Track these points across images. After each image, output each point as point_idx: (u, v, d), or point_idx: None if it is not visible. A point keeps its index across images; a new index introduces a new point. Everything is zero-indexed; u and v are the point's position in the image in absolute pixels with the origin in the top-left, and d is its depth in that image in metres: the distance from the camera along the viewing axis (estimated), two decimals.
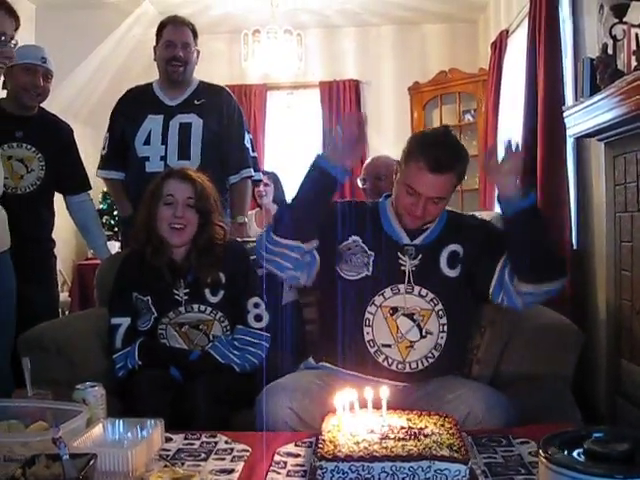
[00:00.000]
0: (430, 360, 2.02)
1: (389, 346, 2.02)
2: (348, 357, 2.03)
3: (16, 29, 2.19)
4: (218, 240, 2.37)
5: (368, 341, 2.03)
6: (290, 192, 4.52)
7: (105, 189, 5.44)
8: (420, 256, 2.06)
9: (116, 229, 5.49)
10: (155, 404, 2.07)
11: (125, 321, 2.34)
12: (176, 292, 2.33)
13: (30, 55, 2.85)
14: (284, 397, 1.85)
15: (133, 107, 3.03)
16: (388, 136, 5.99)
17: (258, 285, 2.31)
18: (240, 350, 2.28)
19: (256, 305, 2.33)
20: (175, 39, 2.97)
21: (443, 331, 2.04)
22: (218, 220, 2.40)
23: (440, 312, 2.04)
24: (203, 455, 1.58)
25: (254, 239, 2.87)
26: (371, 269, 2.05)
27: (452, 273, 2.06)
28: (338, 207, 2.14)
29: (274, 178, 4.58)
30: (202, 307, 2.33)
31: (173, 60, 2.96)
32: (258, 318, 2.32)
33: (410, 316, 2.02)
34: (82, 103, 5.64)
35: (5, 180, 2.55)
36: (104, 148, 3.11)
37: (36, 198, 2.91)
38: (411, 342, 2.02)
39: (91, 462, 1.29)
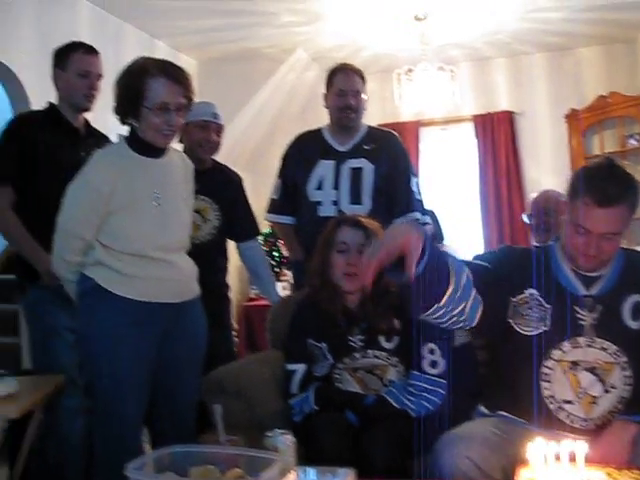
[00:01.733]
0: (615, 415, 1.91)
1: (570, 402, 1.93)
2: (526, 411, 1.95)
3: (186, 96, 2.27)
4: (391, 286, 2.37)
5: (547, 397, 1.95)
6: (447, 229, 4.47)
7: (265, 231, 5.64)
8: (599, 307, 1.95)
9: (276, 270, 5.64)
10: (333, 448, 2.10)
11: (301, 367, 2.40)
12: (351, 338, 2.36)
13: (202, 112, 3.01)
14: (462, 446, 1.81)
15: (304, 152, 3.12)
16: (546, 167, 5.83)
17: (432, 330, 2.29)
18: (416, 396, 2.26)
19: (431, 351, 2.30)
20: (346, 87, 3.04)
21: (628, 384, 1.93)
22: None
23: (624, 364, 1.92)
24: None
25: None
26: (549, 323, 1.97)
27: (636, 325, 1.94)
28: (509, 255, 2.09)
29: (431, 215, 4.55)
30: (377, 353, 2.34)
31: (345, 108, 3.03)
32: (433, 364, 2.29)
33: (591, 370, 1.92)
34: (241, 150, 5.90)
35: None
36: (275, 193, 3.21)
37: (213, 246, 3.05)
38: (594, 397, 1.92)
39: None
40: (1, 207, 2.69)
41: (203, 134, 3.01)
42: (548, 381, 1.95)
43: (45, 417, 2.56)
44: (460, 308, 1.88)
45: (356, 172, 3.02)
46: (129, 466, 1.53)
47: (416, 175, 3.20)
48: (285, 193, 3.18)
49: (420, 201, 3.16)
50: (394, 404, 2.24)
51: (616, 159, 2.04)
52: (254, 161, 6.00)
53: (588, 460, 1.52)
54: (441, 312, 1.86)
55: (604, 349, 1.93)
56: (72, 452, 2.67)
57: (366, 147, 3.07)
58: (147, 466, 1.57)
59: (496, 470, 1.78)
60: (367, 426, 2.20)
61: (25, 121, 2.85)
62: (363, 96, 3.09)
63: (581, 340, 1.94)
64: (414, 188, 3.12)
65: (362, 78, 3.10)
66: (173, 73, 2.25)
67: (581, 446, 1.51)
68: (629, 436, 1.80)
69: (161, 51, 5.81)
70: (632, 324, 1.94)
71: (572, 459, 1.52)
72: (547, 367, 1.96)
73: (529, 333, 1.98)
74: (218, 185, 3.07)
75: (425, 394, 2.26)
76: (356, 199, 2.99)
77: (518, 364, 1.97)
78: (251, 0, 4.85)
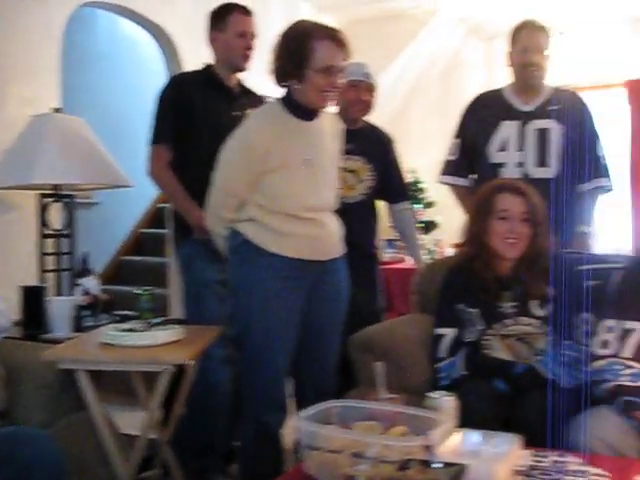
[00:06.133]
0: None
1: None
2: None
3: (345, 59, 2.31)
4: (546, 252, 2.33)
5: None
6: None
7: None
8: None
9: None
10: (483, 415, 2.08)
11: (450, 332, 2.39)
12: (502, 305, 2.34)
13: (354, 72, 3.01)
14: (590, 426, 1.79)
15: (485, 113, 3.02)
16: None
17: (585, 300, 2.23)
18: (567, 366, 2.21)
19: (585, 321, 2.25)
20: (531, 44, 2.92)
21: None
22: (547, 231, 2.36)
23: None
24: (556, 475, 1.56)
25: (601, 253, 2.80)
26: None
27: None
28: None
29: None
30: (529, 320, 2.32)
31: (529, 66, 2.91)
32: (587, 335, 2.24)
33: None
34: (381, 112, 5.87)
35: (338, 190, 2.72)
36: (452, 153, 3.12)
37: (365, 206, 3.08)
38: None
39: (462, 473, 1.33)
40: (159, 165, 2.82)
41: (355, 94, 3.02)
42: None
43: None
44: None
45: (542, 133, 2.90)
46: (299, 415, 1.59)
47: (600, 139, 3.01)
48: (463, 154, 3.07)
49: (605, 166, 3.00)
50: (545, 373, 2.21)
51: None
52: (392, 126, 5.95)
53: None
54: None
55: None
56: (220, 400, 2.80)
57: (552, 107, 2.93)
58: (313, 417, 1.62)
59: (632, 450, 1.77)
60: (518, 395, 2.18)
61: (180, 82, 2.94)
62: (546, 53, 2.94)
63: None
64: (600, 152, 2.97)
65: (547, 34, 2.95)
66: (336, 36, 2.28)
67: None
68: None
69: (304, 11, 5.85)
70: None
71: None
72: None
73: None
74: (371, 145, 3.09)
75: (578, 365, 2.20)
76: (542, 161, 2.89)
77: None
78: None
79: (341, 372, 2.64)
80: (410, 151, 5.15)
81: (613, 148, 5.64)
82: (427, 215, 5.61)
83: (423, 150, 5.60)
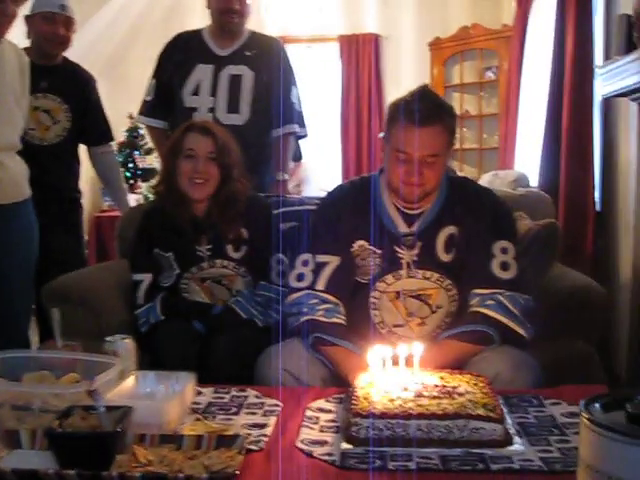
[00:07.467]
0: (444, 327, 1.99)
1: (400, 326, 2.00)
2: (361, 338, 1.96)
3: None
4: (240, 195, 2.33)
5: (377, 323, 2.00)
6: (307, 147, 4.41)
7: (119, 141, 5.41)
8: (418, 244, 1.98)
9: (131, 182, 5.45)
10: (180, 357, 2.09)
11: (147, 277, 2.34)
12: (198, 248, 2.32)
13: (48, 3, 2.79)
14: (278, 359, 1.85)
15: (182, 54, 2.89)
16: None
17: (281, 241, 2.29)
18: (262, 306, 2.27)
19: (279, 262, 2.31)
20: None
21: (454, 300, 2.00)
22: (240, 175, 2.35)
23: (448, 286, 1.99)
24: (234, 409, 1.58)
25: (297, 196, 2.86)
26: (379, 266, 1.99)
27: (447, 258, 1.98)
28: (333, 212, 2.06)
29: None
30: (225, 262, 2.33)
31: (228, 11, 2.81)
32: (282, 275, 2.30)
33: (416, 297, 1.98)
34: (98, 54, 5.56)
35: (32, 131, 2.53)
36: (148, 94, 2.97)
37: (63, 149, 2.88)
38: (422, 319, 1.99)
39: (127, 415, 1.28)
40: None
41: (49, 27, 2.78)
42: (377, 309, 2.00)
43: None
44: None
45: (235, 79, 2.84)
46: None
47: (297, 86, 3.00)
48: (159, 95, 2.93)
49: (300, 112, 3.00)
50: (241, 314, 2.25)
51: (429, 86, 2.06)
52: (110, 67, 5.68)
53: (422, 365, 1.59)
54: None
55: (426, 278, 1.98)
56: None
57: (247, 53, 2.87)
58: None
59: (315, 379, 1.85)
60: (214, 335, 2.19)
61: None
62: (249, 0, 2.87)
63: (402, 272, 1.98)
64: (294, 99, 2.95)
65: None
66: None
67: (417, 348, 1.57)
68: (452, 355, 1.86)
69: None
70: (444, 257, 1.98)
71: (409, 363, 1.58)
72: (374, 297, 1.99)
73: (367, 281, 2.00)
74: (69, 84, 2.88)
75: (273, 304, 2.26)
76: (234, 107, 2.82)
77: (350, 296, 2.01)
78: None
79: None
80: (129, 96, 4.95)
81: (328, 99, 6.03)
82: (146, 162, 5.46)
83: (142, 95, 5.43)
